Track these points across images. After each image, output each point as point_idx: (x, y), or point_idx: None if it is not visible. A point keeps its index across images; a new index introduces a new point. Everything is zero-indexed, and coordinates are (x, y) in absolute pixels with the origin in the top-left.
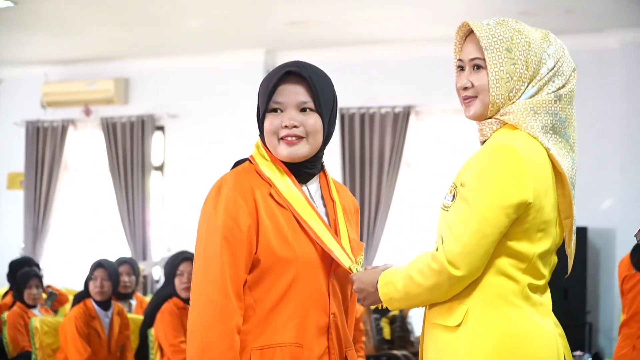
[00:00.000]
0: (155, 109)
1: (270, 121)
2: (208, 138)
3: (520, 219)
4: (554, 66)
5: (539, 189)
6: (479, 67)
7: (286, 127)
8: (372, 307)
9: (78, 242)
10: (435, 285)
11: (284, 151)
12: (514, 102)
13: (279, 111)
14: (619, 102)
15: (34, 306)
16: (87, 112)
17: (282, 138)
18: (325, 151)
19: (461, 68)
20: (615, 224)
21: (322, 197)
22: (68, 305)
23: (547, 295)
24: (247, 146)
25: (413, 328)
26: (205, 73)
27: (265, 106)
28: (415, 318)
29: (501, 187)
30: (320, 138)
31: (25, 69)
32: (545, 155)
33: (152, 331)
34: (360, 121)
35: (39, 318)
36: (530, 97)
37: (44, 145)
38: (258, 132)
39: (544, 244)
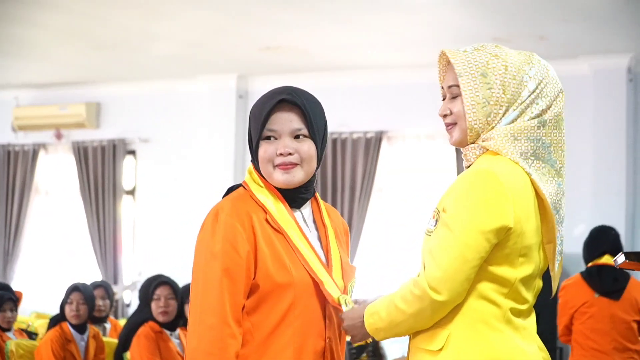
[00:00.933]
0: (127, 133)
1: (264, 149)
2: (179, 162)
3: (501, 243)
4: (536, 88)
5: (519, 214)
6: (456, 94)
7: (281, 154)
8: (361, 342)
9: (49, 266)
10: (418, 311)
11: (280, 178)
12: (494, 127)
13: (272, 138)
14: (591, 128)
15: (8, 329)
16: (59, 136)
17: (277, 165)
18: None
19: (443, 96)
20: None
21: (315, 222)
22: (44, 329)
23: (532, 319)
24: (218, 171)
25: (385, 353)
26: (177, 97)
27: (259, 134)
28: (389, 343)
29: (481, 212)
30: (314, 164)
31: None
32: (528, 180)
33: (127, 355)
34: (332, 146)
35: (14, 342)
36: (512, 121)
37: (15, 169)
38: (251, 159)
39: (526, 268)
